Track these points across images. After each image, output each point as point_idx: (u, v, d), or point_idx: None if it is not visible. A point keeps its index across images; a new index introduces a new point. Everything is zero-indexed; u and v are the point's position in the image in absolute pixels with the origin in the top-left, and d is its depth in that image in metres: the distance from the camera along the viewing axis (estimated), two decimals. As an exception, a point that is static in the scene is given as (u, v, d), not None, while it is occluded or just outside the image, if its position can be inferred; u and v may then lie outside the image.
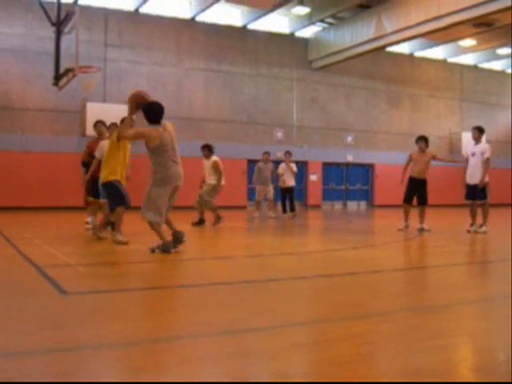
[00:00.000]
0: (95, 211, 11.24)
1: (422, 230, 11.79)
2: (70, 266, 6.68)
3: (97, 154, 10.31)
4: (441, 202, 26.99)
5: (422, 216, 12.07)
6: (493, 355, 3.33)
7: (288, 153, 17.49)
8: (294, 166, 17.29)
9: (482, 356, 3.36)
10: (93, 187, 10.64)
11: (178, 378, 2.81)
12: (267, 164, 17.08)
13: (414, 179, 12.24)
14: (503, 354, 3.21)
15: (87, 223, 11.53)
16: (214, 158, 13.41)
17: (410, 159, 12.39)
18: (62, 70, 13.71)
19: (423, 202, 12.23)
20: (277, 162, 20.52)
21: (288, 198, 17.22)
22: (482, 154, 11.35)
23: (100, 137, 11.23)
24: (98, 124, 11.50)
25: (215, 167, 13.19)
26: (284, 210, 17.30)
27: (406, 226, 12.18)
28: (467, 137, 28.60)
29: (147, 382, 2.74)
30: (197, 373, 2.93)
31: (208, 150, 13.41)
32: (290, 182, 17.19)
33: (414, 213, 12.34)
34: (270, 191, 17.09)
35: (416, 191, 12.24)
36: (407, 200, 12.35)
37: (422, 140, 12.39)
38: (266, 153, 17.33)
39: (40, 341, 3.43)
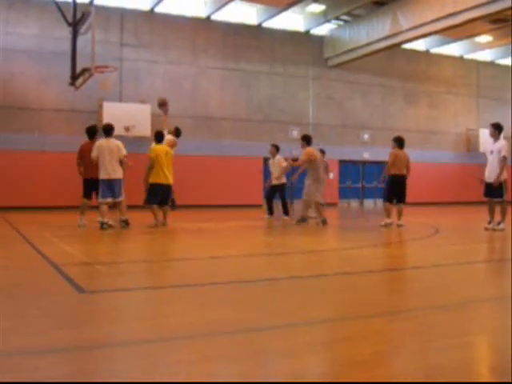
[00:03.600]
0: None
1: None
2: (88, 265, 6.72)
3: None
4: (460, 199, 26.86)
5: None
6: (509, 354, 3.30)
7: (274, 146, 15.53)
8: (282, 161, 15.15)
9: (498, 354, 3.33)
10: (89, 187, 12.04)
11: (191, 377, 2.82)
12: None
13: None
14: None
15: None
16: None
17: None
18: (78, 70, 13.80)
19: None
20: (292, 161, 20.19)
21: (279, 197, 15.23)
22: (499, 151, 11.18)
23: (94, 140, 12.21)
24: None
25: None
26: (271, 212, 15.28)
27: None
28: (484, 134, 28.34)
29: (147, 382, 2.74)
30: (211, 371, 2.94)
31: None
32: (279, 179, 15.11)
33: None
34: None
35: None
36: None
37: None
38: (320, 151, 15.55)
39: (57, 339, 3.46)
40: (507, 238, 10.38)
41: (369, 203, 27.01)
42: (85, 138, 12.44)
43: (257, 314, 4.19)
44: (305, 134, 13.66)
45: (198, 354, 3.19)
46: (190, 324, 3.87)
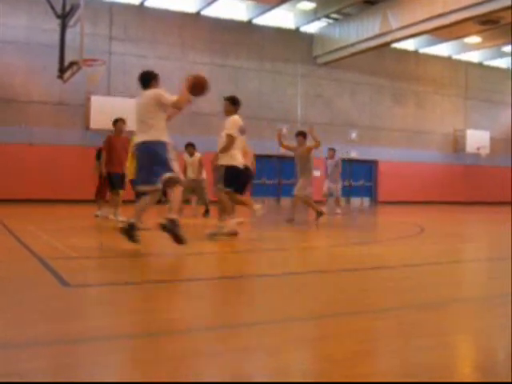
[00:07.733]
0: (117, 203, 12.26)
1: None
2: (73, 259, 6.69)
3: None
4: (446, 199, 26.98)
5: None
6: (492, 353, 3.33)
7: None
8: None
9: (481, 354, 3.36)
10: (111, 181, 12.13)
11: (177, 372, 2.83)
12: (331, 160, 17.53)
13: None
14: (503, 353, 3.21)
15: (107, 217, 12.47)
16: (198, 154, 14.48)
17: None
18: (66, 62, 13.73)
19: None
20: (280, 158, 20.40)
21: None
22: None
23: (120, 134, 11.95)
24: (120, 122, 12.11)
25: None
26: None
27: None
28: (471, 134, 28.62)
29: (147, 382, 2.74)
30: (196, 367, 2.94)
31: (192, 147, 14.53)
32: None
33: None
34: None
35: None
36: None
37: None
38: (331, 149, 17.68)
39: (41, 333, 3.44)
40: (490, 238, 10.44)
41: (355, 201, 27.08)
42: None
43: (239, 310, 4.20)
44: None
45: (183, 350, 3.19)
46: (177, 319, 3.87)
